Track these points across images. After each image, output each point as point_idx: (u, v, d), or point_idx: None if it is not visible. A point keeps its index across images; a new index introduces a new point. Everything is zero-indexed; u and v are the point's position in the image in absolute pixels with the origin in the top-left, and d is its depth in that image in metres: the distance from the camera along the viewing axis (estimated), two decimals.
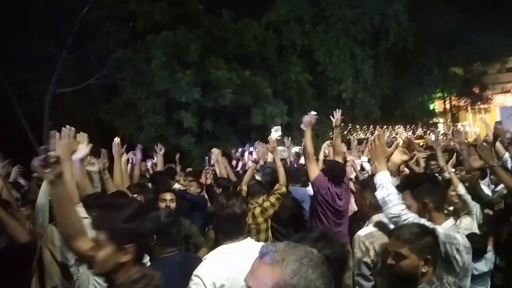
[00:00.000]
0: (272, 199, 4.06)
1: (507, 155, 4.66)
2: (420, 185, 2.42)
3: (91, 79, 16.98)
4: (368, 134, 22.43)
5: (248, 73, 17.75)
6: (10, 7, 15.45)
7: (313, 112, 4.38)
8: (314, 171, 4.22)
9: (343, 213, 4.32)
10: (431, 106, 30.51)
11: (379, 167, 2.42)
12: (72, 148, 2.73)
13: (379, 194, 2.37)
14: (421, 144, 14.49)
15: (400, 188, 2.55)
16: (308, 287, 0.99)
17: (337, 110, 4.88)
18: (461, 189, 3.43)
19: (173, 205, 3.66)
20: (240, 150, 10.53)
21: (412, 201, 2.37)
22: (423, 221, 2.22)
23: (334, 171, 4.36)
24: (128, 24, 17.02)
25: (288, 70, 19.82)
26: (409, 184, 2.55)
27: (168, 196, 3.72)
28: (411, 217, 2.24)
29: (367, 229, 2.70)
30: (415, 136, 23.97)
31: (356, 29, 20.55)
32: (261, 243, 2.17)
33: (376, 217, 2.69)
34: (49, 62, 16.41)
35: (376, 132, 5.49)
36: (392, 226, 2.34)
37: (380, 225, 2.59)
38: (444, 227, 2.28)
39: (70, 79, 17.42)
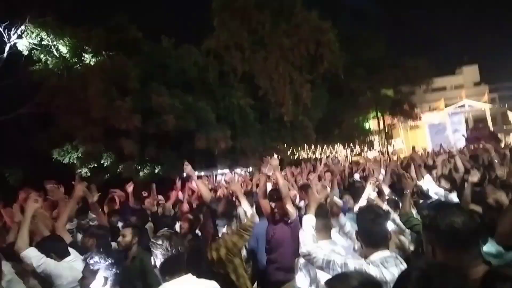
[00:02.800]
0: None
1: (422, 181, 4.87)
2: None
3: (23, 108, 16.09)
4: (309, 154, 23.23)
5: (190, 99, 17.83)
6: None
7: (275, 156, 4.34)
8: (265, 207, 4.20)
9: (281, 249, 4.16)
10: (366, 126, 32.45)
11: (308, 211, 2.71)
12: None
13: (300, 235, 2.54)
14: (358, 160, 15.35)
15: None
16: None
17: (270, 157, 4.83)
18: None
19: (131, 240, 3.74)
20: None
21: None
22: (332, 258, 2.27)
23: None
24: (61, 50, 16.48)
25: (230, 95, 20.19)
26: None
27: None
28: (321, 255, 2.31)
29: None
30: (353, 153, 25.21)
31: (294, 55, 21.52)
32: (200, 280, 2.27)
33: None
34: None
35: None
36: None
37: None
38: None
39: (0, 108, 16.37)
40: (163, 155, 16.84)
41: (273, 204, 4.00)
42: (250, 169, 19.87)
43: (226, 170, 17.89)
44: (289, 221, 3.91)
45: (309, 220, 2.63)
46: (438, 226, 1.59)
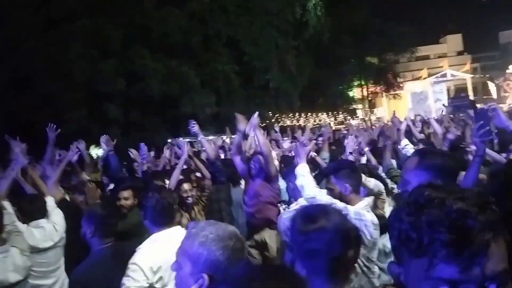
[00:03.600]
0: None
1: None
2: (341, 171, 2.70)
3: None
4: (293, 121, 23.38)
5: (174, 63, 17.51)
6: None
7: (256, 113, 4.39)
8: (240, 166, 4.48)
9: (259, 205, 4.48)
10: (350, 94, 32.64)
11: (299, 161, 2.84)
12: None
13: (298, 182, 2.72)
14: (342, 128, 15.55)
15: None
16: (209, 256, 1.25)
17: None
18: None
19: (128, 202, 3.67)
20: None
21: (334, 185, 2.65)
22: (335, 201, 2.48)
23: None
24: (40, 11, 15.78)
25: (214, 60, 19.87)
26: (332, 170, 2.85)
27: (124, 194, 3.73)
28: (325, 198, 2.54)
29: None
30: (336, 122, 25.50)
31: (279, 20, 21.18)
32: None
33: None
34: None
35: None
36: None
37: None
38: (357, 207, 2.54)
39: None
40: (148, 120, 16.69)
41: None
42: (235, 136, 19.93)
43: (211, 137, 17.90)
44: (269, 178, 4.26)
45: (305, 167, 2.79)
46: None
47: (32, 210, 3.18)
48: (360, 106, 32.26)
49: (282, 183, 4.66)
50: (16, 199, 3.21)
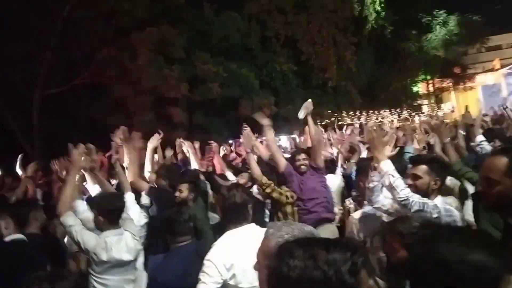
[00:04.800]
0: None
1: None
2: (434, 163, 2.65)
3: (77, 79, 17.01)
4: (354, 120, 22.89)
5: (234, 66, 17.99)
6: None
7: (309, 100, 4.49)
8: (281, 162, 4.44)
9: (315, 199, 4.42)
10: (415, 89, 31.15)
11: (380, 157, 2.66)
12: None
13: (386, 181, 2.58)
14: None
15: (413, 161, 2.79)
16: None
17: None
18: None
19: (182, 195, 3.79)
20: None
21: (426, 175, 2.57)
22: (425, 200, 2.46)
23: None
24: (111, 22, 17.00)
25: (272, 61, 20.08)
26: (427, 160, 2.76)
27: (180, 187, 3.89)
28: (416, 198, 2.47)
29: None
30: (400, 118, 24.53)
31: (337, 17, 20.87)
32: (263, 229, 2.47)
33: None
34: (35, 64, 16.38)
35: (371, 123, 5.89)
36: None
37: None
38: (445, 204, 2.52)
39: (57, 80, 17.39)
40: (210, 122, 17.32)
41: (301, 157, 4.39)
42: (294, 135, 19.97)
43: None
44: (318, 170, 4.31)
45: (390, 165, 2.63)
46: None
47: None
48: (426, 101, 30.68)
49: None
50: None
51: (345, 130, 8.86)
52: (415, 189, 2.56)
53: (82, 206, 3.40)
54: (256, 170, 4.09)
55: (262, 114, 4.49)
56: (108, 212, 2.92)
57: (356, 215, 3.06)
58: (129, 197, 3.62)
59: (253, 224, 2.52)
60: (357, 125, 8.09)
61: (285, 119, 20.22)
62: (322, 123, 17.14)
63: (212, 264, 2.26)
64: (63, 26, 16.30)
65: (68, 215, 2.88)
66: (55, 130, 17.82)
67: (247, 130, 4.82)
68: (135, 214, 3.53)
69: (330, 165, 5.15)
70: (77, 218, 2.96)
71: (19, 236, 2.95)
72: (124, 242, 2.92)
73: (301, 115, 4.45)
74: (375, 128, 2.87)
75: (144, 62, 15.67)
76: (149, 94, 16.35)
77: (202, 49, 18.05)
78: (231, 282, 2.29)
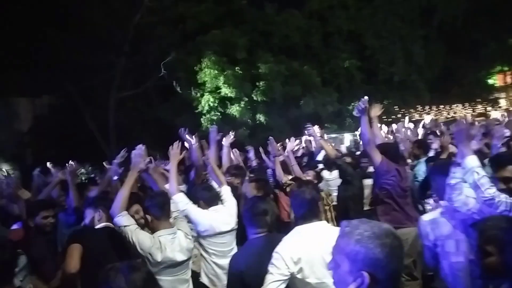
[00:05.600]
0: None
1: None
2: None
3: (148, 81, 18.16)
4: (423, 115, 21.79)
5: (296, 64, 18.00)
6: (72, 23, 16.91)
7: (365, 98, 4.34)
8: (377, 156, 4.13)
9: (407, 192, 4.26)
10: (490, 81, 28.83)
11: (465, 151, 2.49)
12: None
13: (470, 178, 2.44)
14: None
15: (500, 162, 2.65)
16: (367, 253, 1.22)
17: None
18: None
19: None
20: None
21: None
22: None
23: (391, 151, 4.31)
24: (178, 26, 17.88)
25: (335, 57, 19.74)
26: None
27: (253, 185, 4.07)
28: (503, 197, 2.35)
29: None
30: (475, 113, 22.92)
31: (404, 9, 19.97)
32: (335, 227, 2.47)
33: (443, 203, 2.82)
34: (111, 69, 17.74)
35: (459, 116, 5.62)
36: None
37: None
38: None
39: (130, 83, 18.70)
40: (272, 121, 17.52)
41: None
42: (357, 132, 19.51)
43: (334, 134, 17.86)
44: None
45: (476, 161, 2.48)
46: None
47: (209, 197, 3.64)
48: (503, 95, 28.28)
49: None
50: (194, 188, 3.84)
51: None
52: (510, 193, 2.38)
53: (182, 198, 3.47)
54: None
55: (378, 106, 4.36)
56: (153, 208, 2.96)
57: (427, 217, 2.97)
58: (225, 190, 3.78)
59: (324, 222, 2.57)
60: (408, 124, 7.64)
61: (350, 116, 19.82)
62: (389, 120, 16.55)
63: (280, 257, 2.31)
64: (134, 33, 17.46)
65: (122, 216, 2.91)
66: (128, 130, 19.17)
67: (311, 128, 4.85)
68: (232, 205, 3.67)
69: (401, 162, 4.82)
70: (131, 218, 2.98)
71: (109, 224, 3.13)
72: (177, 242, 2.93)
73: (358, 113, 4.31)
74: (464, 119, 2.70)
75: (208, 64, 16.29)
76: (213, 94, 16.97)
77: (264, 48, 18.28)
78: (298, 276, 2.33)
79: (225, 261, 3.31)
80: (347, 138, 15.61)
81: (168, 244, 2.87)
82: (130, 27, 17.36)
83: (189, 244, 3.02)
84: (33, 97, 32.06)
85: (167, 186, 3.82)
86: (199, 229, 3.50)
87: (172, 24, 17.99)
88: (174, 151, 3.83)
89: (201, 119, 17.17)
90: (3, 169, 29.97)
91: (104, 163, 5.86)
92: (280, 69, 17.03)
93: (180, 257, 2.93)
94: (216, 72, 16.46)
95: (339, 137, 16.24)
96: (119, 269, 1.66)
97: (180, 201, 3.42)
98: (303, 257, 2.33)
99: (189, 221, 3.45)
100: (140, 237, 2.84)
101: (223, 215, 3.58)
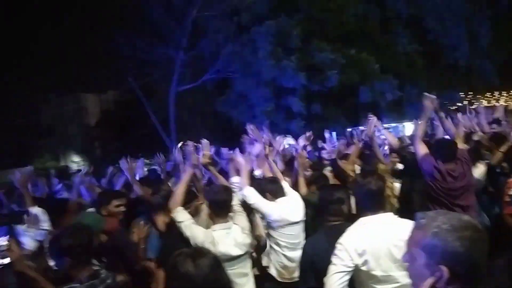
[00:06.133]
0: None
1: None
2: None
3: (205, 75, 18.66)
4: (492, 102, 20.33)
5: (352, 52, 17.51)
6: (134, 21, 17.81)
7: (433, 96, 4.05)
8: (420, 150, 3.97)
9: (459, 191, 3.91)
10: None
11: None
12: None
13: None
14: None
15: None
16: (445, 247, 1.18)
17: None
18: None
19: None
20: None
21: None
22: None
23: (441, 149, 4.00)
24: (233, 19, 18.10)
25: (395, 43, 18.91)
26: None
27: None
28: None
29: None
30: None
31: None
32: (402, 219, 2.39)
33: None
34: (170, 64, 18.47)
35: None
36: None
37: None
38: None
39: (188, 77, 19.36)
40: (328, 111, 17.27)
41: None
42: (417, 120, 18.60)
43: (393, 124, 17.22)
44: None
45: None
46: None
47: (276, 189, 3.67)
48: None
49: None
50: (258, 180, 3.91)
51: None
52: None
53: (252, 192, 3.50)
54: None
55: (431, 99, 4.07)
56: (214, 204, 2.97)
57: None
58: (286, 185, 3.82)
59: (390, 214, 2.49)
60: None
61: (410, 104, 18.95)
62: (453, 108, 15.64)
63: (344, 248, 2.28)
64: (192, 27, 17.97)
65: (178, 211, 2.96)
66: (187, 122, 19.92)
67: (372, 118, 4.68)
68: (297, 198, 3.70)
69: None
70: (187, 213, 3.00)
71: None
72: (232, 236, 2.90)
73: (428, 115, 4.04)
74: None
75: (263, 55, 16.34)
76: (268, 85, 17.04)
77: (319, 37, 17.97)
78: (363, 268, 2.28)
79: (295, 254, 3.31)
80: (408, 127, 14.92)
81: (222, 239, 2.88)
82: (188, 22, 17.89)
83: (245, 239, 2.99)
84: (100, 93, 34.40)
85: (235, 179, 3.90)
86: (271, 219, 3.54)
87: (227, 17, 18.26)
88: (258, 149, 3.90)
89: (256, 110, 17.36)
90: (76, 161, 32.39)
91: (157, 155, 6.00)
92: (336, 57, 16.66)
93: (235, 251, 2.91)
94: (272, 62, 16.46)
95: (399, 126, 15.62)
96: (187, 254, 1.70)
97: (250, 195, 3.49)
98: (368, 249, 2.27)
99: (261, 214, 3.52)
100: (194, 232, 2.88)
101: (292, 206, 3.61)
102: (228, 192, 3.06)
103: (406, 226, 1.99)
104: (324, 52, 16.85)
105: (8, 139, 35.68)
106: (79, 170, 6.93)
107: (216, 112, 19.18)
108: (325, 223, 2.76)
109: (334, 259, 2.28)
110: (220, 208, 2.95)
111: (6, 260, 1.32)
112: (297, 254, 3.25)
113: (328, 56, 16.70)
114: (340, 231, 2.51)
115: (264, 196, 3.59)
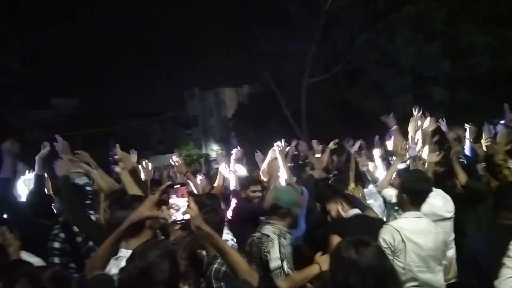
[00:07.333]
0: None
1: None
2: None
3: (337, 66, 18.54)
4: None
5: (508, 33, 15.30)
6: (270, 16, 18.67)
7: None
8: None
9: None
10: None
11: None
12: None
13: None
14: None
15: None
16: None
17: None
18: None
19: None
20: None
21: None
22: None
23: None
24: (368, 7, 17.49)
25: None
26: None
27: None
28: None
29: None
30: None
31: None
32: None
33: None
34: (303, 56, 18.86)
35: None
36: None
37: None
38: None
39: (320, 69, 19.50)
40: (476, 100, 15.47)
41: None
42: None
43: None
44: None
45: None
46: None
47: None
48: None
49: None
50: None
51: None
52: None
53: (392, 192, 3.48)
54: None
55: None
56: (412, 192, 2.87)
57: None
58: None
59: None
60: None
61: None
62: None
63: None
64: (326, 19, 18.01)
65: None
66: (318, 113, 20.14)
67: None
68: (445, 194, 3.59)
69: None
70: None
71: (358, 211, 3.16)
72: (424, 221, 2.83)
73: None
74: None
75: (402, 42, 15.50)
76: (407, 74, 16.09)
77: (467, 20, 16.15)
78: None
79: (450, 253, 3.26)
80: None
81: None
82: (322, 14, 17.97)
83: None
84: (237, 87, 36.96)
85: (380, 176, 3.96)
86: None
87: (362, 5, 17.76)
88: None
89: (392, 101, 16.55)
90: (215, 150, 35.57)
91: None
92: (488, 40, 14.79)
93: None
94: (411, 50, 15.50)
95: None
96: (350, 242, 1.79)
97: (390, 194, 3.51)
98: None
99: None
100: None
101: (442, 202, 3.45)
102: (428, 182, 3.01)
103: None
104: (472, 36, 15.13)
105: (160, 129, 41.20)
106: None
107: (347, 103, 18.89)
108: (497, 220, 2.58)
109: (508, 262, 2.10)
110: (418, 197, 2.88)
111: (187, 216, 1.69)
112: (452, 252, 3.27)
113: (479, 39, 14.96)
114: (510, 232, 2.35)
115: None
